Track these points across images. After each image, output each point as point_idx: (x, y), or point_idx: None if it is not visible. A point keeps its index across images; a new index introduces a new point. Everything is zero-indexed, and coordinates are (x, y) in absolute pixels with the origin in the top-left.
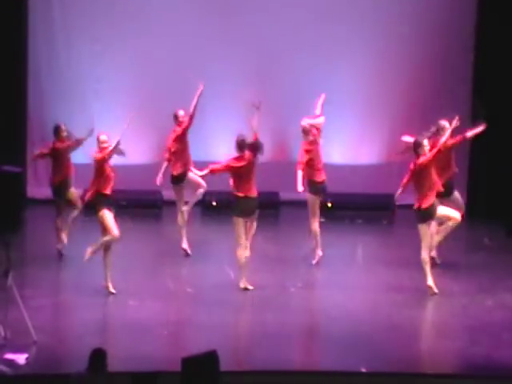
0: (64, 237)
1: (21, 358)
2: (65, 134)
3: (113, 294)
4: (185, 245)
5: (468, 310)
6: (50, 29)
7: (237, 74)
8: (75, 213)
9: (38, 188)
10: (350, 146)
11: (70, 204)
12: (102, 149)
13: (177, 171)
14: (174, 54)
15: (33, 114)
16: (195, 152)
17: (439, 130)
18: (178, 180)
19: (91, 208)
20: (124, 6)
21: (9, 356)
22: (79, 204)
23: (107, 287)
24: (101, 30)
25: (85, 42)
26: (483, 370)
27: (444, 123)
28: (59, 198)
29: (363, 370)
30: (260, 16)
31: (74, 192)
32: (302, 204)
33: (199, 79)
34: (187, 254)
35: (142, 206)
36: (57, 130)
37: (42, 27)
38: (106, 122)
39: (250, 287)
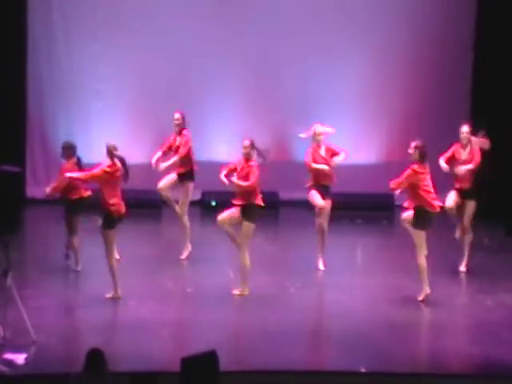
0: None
1: (20, 358)
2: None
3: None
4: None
5: (468, 309)
6: (50, 29)
7: (237, 75)
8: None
9: (38, 188)
10: (349, 146)
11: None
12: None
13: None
14: (175, 55)
15: (32, 114)
16: (195, 151)
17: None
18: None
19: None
20: (125, 8)
21: (8, 356)
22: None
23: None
24: (101, 29)
25: (85, 42)
26: (483, 369)
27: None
28: (76, 213)
29: (363, 370)
30: (260, 19)
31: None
32: (301, 204)
33: (199, 80)
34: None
35: (142, 206)
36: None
37: (42, 27)
38: (108, 123)
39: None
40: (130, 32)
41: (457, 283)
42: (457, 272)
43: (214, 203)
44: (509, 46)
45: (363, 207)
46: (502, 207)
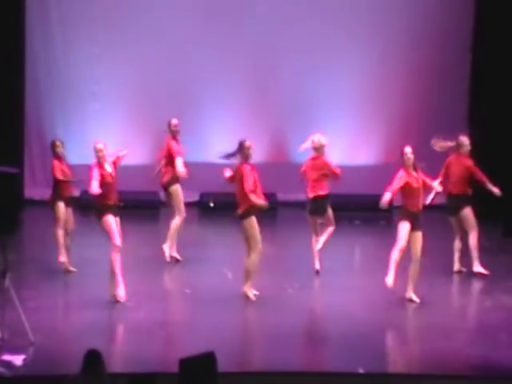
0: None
1: (18, 360)
2: (60, 150)
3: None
4: (174, 252)
5: (466, 310)
6: (48, 30)
7: (235, 75)
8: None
9: (36, 189)
10: (347, 147)
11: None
12: (98, 158)
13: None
14: (172, 56)
15: (30, 115)
16: (193, 152)
17: (458, 146)
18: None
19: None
20: (122, 8)
21: (6, 357)
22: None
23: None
24: (99, 31)
25: (83, 43)
26: (481, 370)
27: (463, 139)
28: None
29: (361, 371)
30: (258, 19)
31: (62, 208)
32: (299, 205)
33: (197, 81)
34: (177, 260)
35: (140, 206)
36: (52, 146)
37: (40, 29)
38: (105, 123)
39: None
40: (128, 33)
41: (456, 284)
42: (456, 272)
43: (212, 204)
44: (507, 47)
45: (361, 208)
46: (500, 208)
